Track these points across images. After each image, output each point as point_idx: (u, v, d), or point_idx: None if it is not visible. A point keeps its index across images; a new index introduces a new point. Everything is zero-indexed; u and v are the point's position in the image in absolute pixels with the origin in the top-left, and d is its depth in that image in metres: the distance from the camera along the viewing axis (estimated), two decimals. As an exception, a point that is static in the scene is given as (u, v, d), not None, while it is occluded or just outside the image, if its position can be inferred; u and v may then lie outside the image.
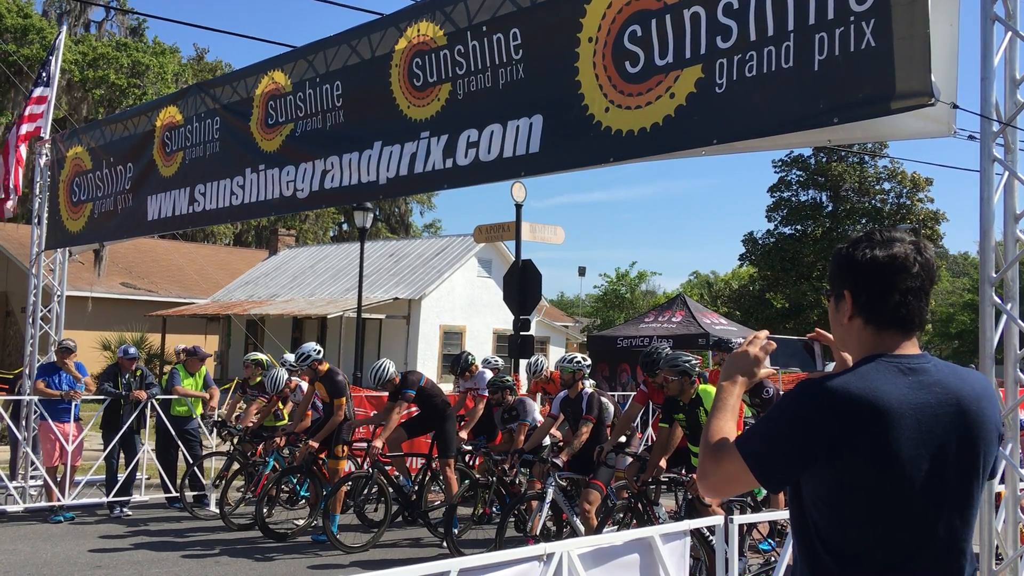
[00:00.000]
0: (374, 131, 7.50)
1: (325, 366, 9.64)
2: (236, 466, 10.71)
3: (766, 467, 2.18)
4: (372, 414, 11.01)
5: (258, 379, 11.47)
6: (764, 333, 2.46)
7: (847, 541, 2.14)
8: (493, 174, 6.73)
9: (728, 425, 2.30)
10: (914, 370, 2.16)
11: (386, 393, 9.96)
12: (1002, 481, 5.12)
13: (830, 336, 2.48)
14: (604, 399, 8.89)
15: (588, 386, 8.95)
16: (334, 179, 7.86)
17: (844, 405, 2.09)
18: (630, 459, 8.46)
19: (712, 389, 7.55)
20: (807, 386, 2.18)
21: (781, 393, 9.16)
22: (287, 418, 11.15)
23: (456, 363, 10.72)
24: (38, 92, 11.72)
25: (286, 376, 10.53)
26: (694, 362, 7.77)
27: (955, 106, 4.65)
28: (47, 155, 11.96)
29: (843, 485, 2.12)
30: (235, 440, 10.84)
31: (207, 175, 9.27)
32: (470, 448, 9.91)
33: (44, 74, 11.70)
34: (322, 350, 9.84)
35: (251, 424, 10.91)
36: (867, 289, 2.22)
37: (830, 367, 2.47)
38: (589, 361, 9.22)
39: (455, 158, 6.85)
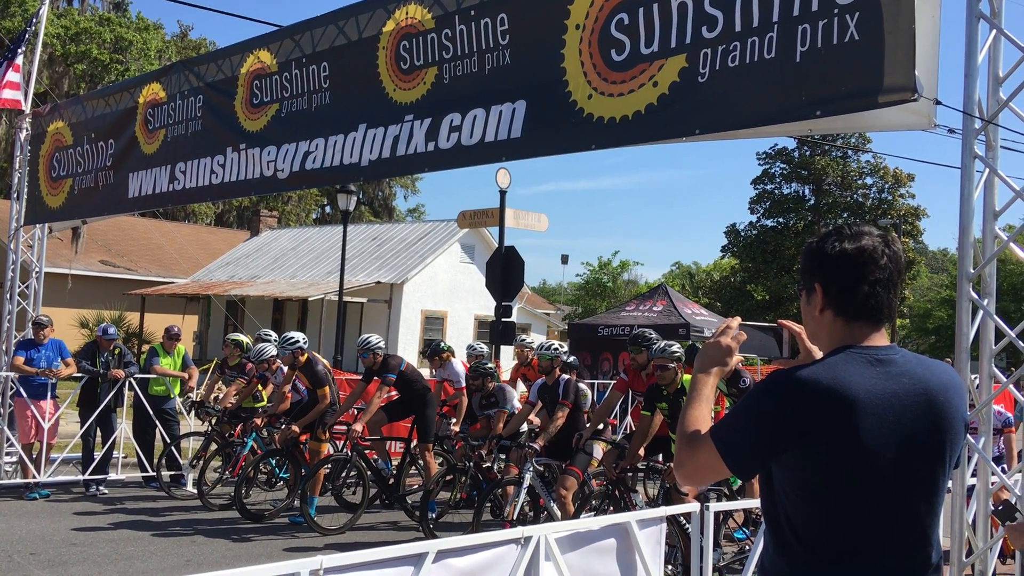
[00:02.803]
0: (359, 113, 7.48)
1: (305, 356, 9.62)
2: (214, 446, 10.68)
3: (737, 456, 2.23)
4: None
5: (237, 359, 11.41)
6: (736, 321, 2.49)
7: (816, 528, 2.18)
8: (475, 158, 6.74)
9: (703, 414, 2.35)
10: (882, 361, 2.20)
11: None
12: (975, 475, 5.18)
13: (795, 326, 2.53)
14: (582, 385, 8.95)
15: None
16: (315, 160, 7.83)
17: (812, 395, 2.13)
18: (602, 445, 8.51)
19: None
20: (776, 377, 2.23)
21: (759, 384, 9.22)
22: (266, 399, 11.11)
23: (427, 347, 10.77)
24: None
25: (273, 351, 10.45)
26: (682, 350, 7.85)
27: (938, 102, 4.68)
28: (27, 129, 11.83)
29: (812, 473, 2.17)
30: (213, 420, 10.81)
31: (188, 153, 9.20)
32: (462, 436, 9.85)
33: (17, 43, 11.42)
34: (307, 340, 9.82)
35: (230, 405, 10.87)
36: (837, 281, 2.27)
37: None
38: (566, 348, 9.23)
39: (437, 142, 6.84)
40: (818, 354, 2.40)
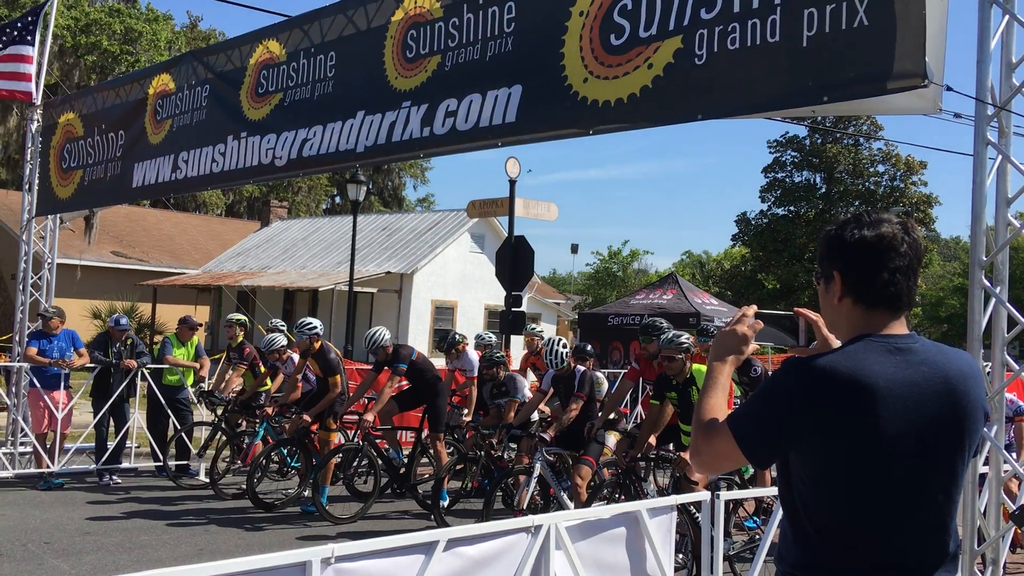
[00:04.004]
0: (358, 101, 7.48)
1: (319, 343, 9.64)
2: (222, 436, 10.72)
3: (754, 444, 2.22)
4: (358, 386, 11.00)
5: (240, 339, 11.40)
6: (752, 309, 2.48)
7: (833, 516, 2.18)
8: (470, 143, 6.73)
9: (720, 403, 2.34)
10: (901, 349, 2.19)
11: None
12: (986, 463, 5.17)
13: (811, 314, 2.51)
14: (599, 374, 8.91)
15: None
16: (312, 147, 7.85)
17: (831, 383, 2.12)
18: (615, 434, 8.51)
19: (704, 368, 7.57)
20: (795, 365, 2.21)
21: (768, 372, 9.21)
22: (270, 386, 11.10)
23: (442, 340, 10.79)
24: (10, 51, 11.36)
25: (284, 341, 10.49)
26: (690, 341, 7.81)
27: (948, 88, 4.65)
28: (38, 121, 11.87)
29: (830, 462, 2.16)
30: (219, 410, 10.86)
31: (192, 142, 9.24)
32: (473, 425, 9.85)
33: (27, 34, 11.42)
34: (323, 327, 9.86)
35: (233, 393, 10.95)
36: (856, 269, 2.26)
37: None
38: (566, 343, 8.96)
39: (432, 127, 6.83)
40: (835, 343, 2.39)
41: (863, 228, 2.25)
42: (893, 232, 2.23)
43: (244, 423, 10.98)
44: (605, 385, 9.01)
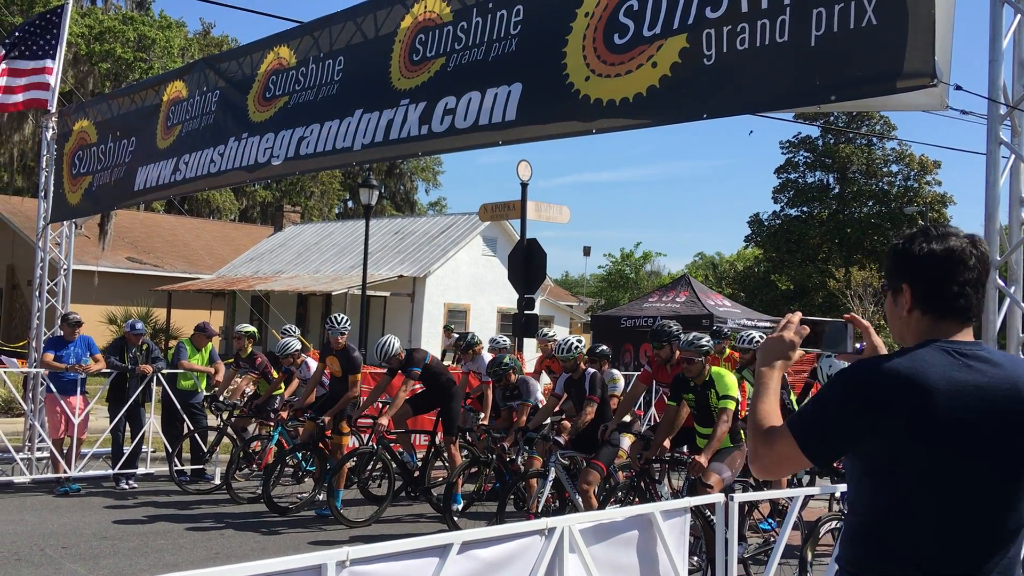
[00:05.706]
0: (358, 100, 7.51)
1: (344, 343, 9.70)
2: (227, 442, 10.79)
3: (815, 446, 2.27)
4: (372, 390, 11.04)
5: (249, 351, 11.45)
6: (797, 316, 2.52)
7: (884, 515, 2.21)
8: (469, 141, 6.71)
9: (773, 408, 2.40)
10: (966, 354, 2.22)
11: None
12: None
13: (863, 321, 2.55)
14: (615, 371, 8.88)
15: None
16: (309, 145, 7.88)
17: (889, 382, 2.17)
18: (629, 436, 8.49)
19: (723, 371, 7.59)
20: (856, 366, 2.27)
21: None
22: (282, 387, 11.14)
23: (461, 339, 10.86)
24: (33, 64, 11.50)
25: (298, 345, 10.58)
26: (710, 343, 7.79)
27: (958, 87, 4.64)
28: (54, 128, 11.96)
29: (886, 460, 2.19)
30: (224, 415, 10.93)
31: (196, 145, 9.33)
32: (485, 428, 9.87)
33: (47, 46, 11.55)
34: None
35: (239, 400, 11.02)
36: (926, 281, 2.31)
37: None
38: (582, 340, 9.06)
39: (431, 125, 6.83)
40: (883, 349, 2.46)
41: (931, 242, 2.32)
42: (961, 246, 2.30)
43: (258, 427, 11.02)
44: (621, 382, 8.98)
